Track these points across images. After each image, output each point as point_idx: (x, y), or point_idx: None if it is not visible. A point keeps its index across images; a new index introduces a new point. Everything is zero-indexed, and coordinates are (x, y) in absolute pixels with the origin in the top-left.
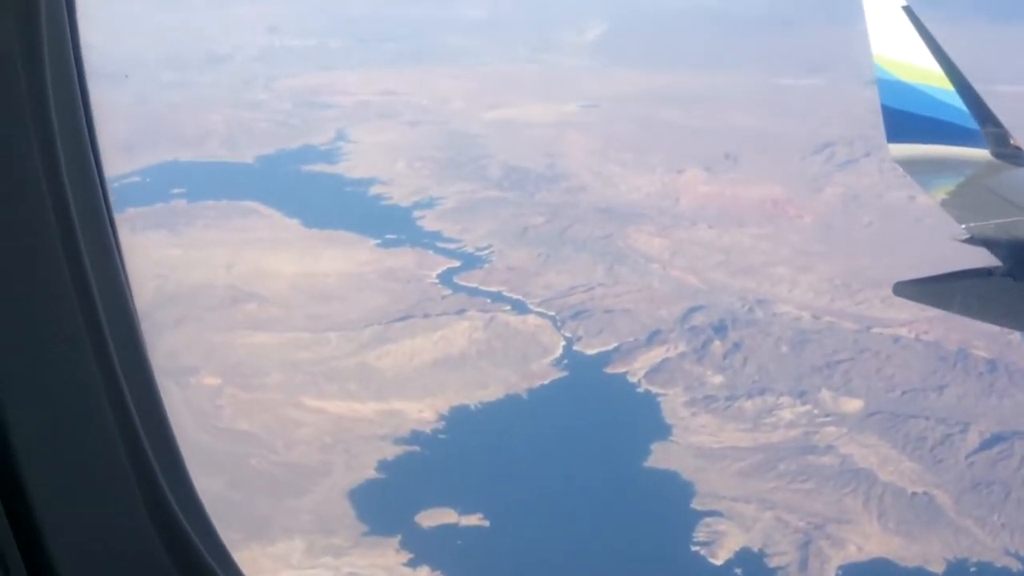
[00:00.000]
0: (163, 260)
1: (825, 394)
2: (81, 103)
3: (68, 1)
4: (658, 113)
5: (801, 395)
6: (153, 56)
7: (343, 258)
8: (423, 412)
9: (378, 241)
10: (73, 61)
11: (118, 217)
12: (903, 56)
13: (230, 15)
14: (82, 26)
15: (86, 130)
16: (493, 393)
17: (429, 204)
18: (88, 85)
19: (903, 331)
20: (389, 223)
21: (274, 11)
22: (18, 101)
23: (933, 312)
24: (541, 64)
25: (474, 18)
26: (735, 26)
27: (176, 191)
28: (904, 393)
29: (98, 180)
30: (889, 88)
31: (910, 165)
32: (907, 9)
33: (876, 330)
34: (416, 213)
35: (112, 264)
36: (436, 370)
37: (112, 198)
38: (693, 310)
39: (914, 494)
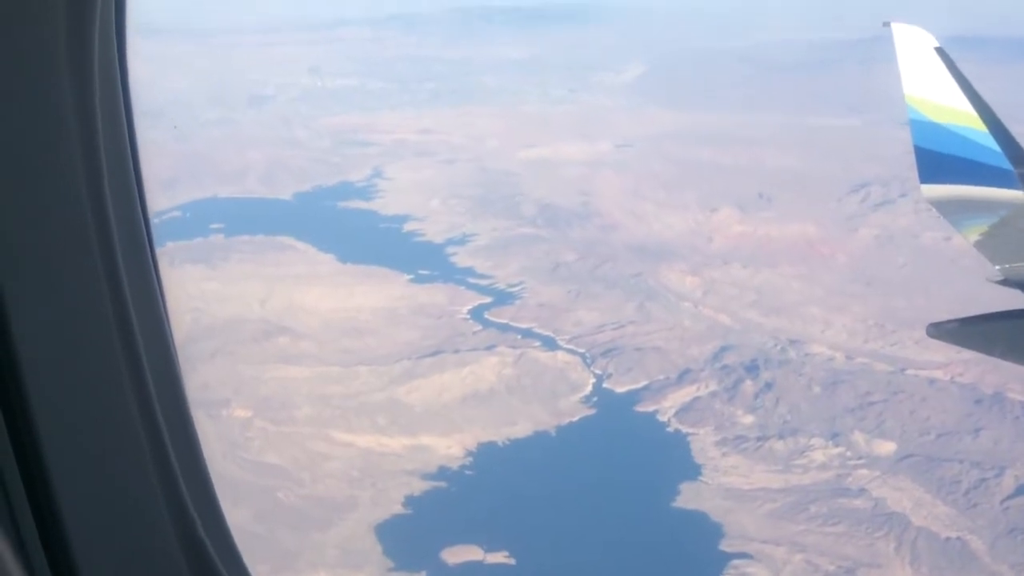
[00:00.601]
0: (200, 293)
1: (858, 436)
2: (128, 141)
3: (120, 44)
4: (693, 153)
5: (833, 436)
6: (197, 95)
7: (376, 293)
8: (451, 448)
9: (411, 277)
10: (122, 99)
11: (159, 251)
12: (936, 97)
13: (273, 56)
14: (131, 66)
15: (132, 168)
16: (521, 430)
17: (462, 241)
18: (135, 123)
19: (938, 373)
20: (422, 259)
21: (316, 53)
22: (68, 137)
23: (968, 354)
24: (577, 104)
25: (512, 59)
26: (771, 68)
27: (215, 226)
28: (939, 436)
29: (142, 216)
30: (921, 129)
31: (943, 206)
32: (939, 50)
33: (910, 372)
34: (449, 249)
35: (153, 298)
36: (465, 406)
37: (154, 233)
38: (724, 349)
39: (948, 539)
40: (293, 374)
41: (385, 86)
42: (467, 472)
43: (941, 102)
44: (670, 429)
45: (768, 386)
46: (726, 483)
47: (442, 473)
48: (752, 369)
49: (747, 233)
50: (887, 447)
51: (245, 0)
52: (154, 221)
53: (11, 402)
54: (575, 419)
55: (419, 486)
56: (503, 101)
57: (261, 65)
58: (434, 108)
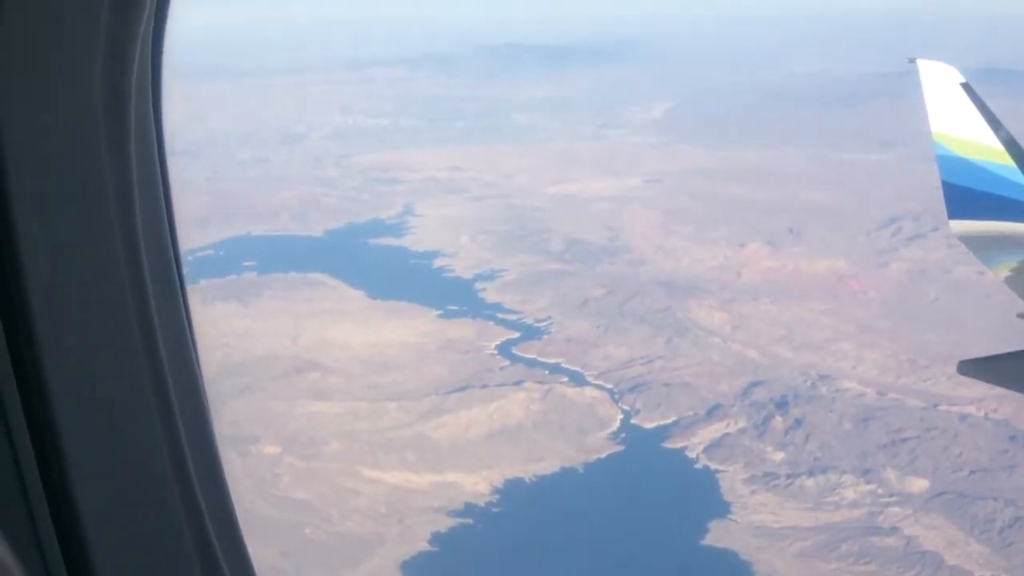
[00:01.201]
0: (231, 330)
1: (890, 473)
2: (160, 180)
3: (155, 84)
4: (722, 188)
5: (865, 474)
6: (232, 134)
7: (405, 328)
8: (478, 484)
9: (440, 312)
10: (156, 140)
11: (190, 289)
12: (963, 132)
13: (308, 96)
14: (166, 105)
15: (164, 207)
16: (548, 466)
17: (491, 276)
18: (168, 163)
19: (971, 409)
20: (451, 295)
21: (350, 92)
22: (101, 174)
23: (1002, 390)
24: (605, 141)
25: (541, 97)
26: (801, 102)
27: (247, 263)
28: (972, 473)
29: (173, 255)
30: (949, 164)
31: (972, 241)
32: (966, 86)
33: (943, 408)
34: (478, 285)
35: (183, 335)
36: (492, 441)
37: (185, 271)
38: (754, 385)
39: None
40: (322, 410)
41: (416, 124)
42: (493, 509)
43: (968, 138)
44: (699, 466)
45: (798, 422)
46: (756, 521)
47: (469, 510)
48: (782, 405)
49: (776, 268)
50: (920, 484)
51: (281, 42)
52: (188, 258)
53: (42, 435)
54: (603, 455)
55: (445, 523)
56: (532, 138)
57: (295, 105)
58: (464, 146)
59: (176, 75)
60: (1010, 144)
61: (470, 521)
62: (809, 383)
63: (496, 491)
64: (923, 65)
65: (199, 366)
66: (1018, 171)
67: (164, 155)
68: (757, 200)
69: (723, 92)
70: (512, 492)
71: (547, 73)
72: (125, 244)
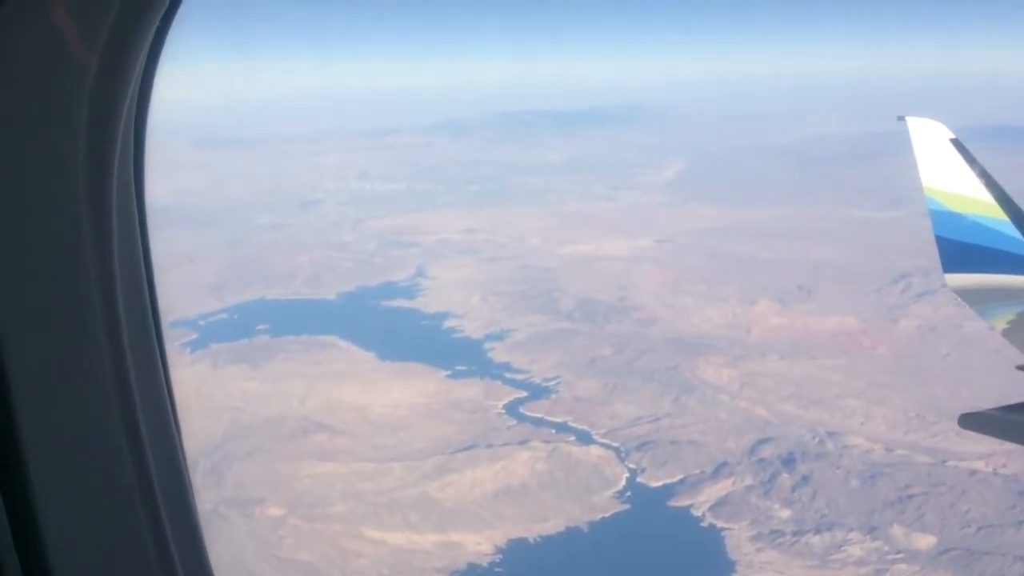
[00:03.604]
0: (240, 393)
1: (897, 529)
2: (142, 252)
3: (137, 158)
4: (733, 247)
5: (871, 531)
6: (252, 202)
7: (413, 389)
8: (481, 544)
9: (448, 372)
10: (136, 211)
11: (203, 353)
12: (954, 187)
13: (326, 163)
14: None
15: (145, 278)
16: (553, 526)
17: (500, 336)
18: (148, 233)
19: (980, 464)
20: (460, 355)
21: (367, 159)
22: (83, 251)
23: (1012, 445)
24: (618, 202)
25: (555, 161)
26: (813, 163)
27: (261, 327)
28: (980, 529)
29: (155, 329)
30: (942, 219)
31: (968, 295)
32: (955, 141)
33: (951, 463)
34: (487, 345)
35: (164, 413)
36: (496, 501)
37: (167, 347)
38: (761, 442)
39: None
40: (328, 471)
41: (432, 188)
42: (496, 570)
43: (959, 192)
44: (704, 524)
45: (805, 480)
46: None
47: (471, 571)
48: (789, 462)
49: (786, 325)
50: (927, 541)
51: (304, 111)
52: (201, 323)
53: (15, 495)
54: (607, 515)
55: None
56: (545, 201)
57: (314, 172)
58: (478, 209)
59: (199, 144)
60: (1002, 198)
61: None
62: (817, 440)
63: (499, 551)
64: (912, 122)
65: (183, 453)
66: (1010, 224)
67: (146, 227)
68: (768, 258)
69: (735, 153)
70: (515, 552)
71: (561, 137)
72: (106, 321)
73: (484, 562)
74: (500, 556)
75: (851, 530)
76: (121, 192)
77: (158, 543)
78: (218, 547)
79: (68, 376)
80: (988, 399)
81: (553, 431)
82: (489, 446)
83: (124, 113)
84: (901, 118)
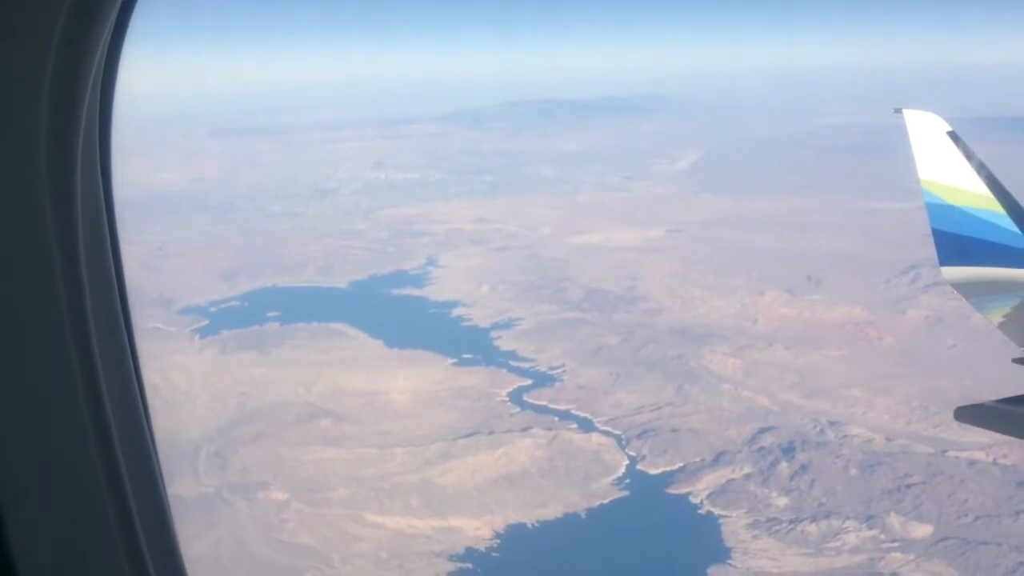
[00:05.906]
0: (248, 379)
1: (893, 518)
2: (110, 245)
3: (104, 155)
4: (744, 237)
5: (868, 519)
6: (267, 190)
7: (419, 376)
8: (480, 530)
9: (454, 360)
10: (104, 204)
11: (213, 339)
12: (950, 180)
13: (341, 152)
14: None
15: (114, 271)
16: (551, 512)
17: (507, 325)
18: (117, 225)
19: (980, 455)
20: (467, 343)
21: (382, 148)
22: (47, 245)
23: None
24: (631, 192)
25: (569, 151)
26: (826, 152)
27: (272, 314)
28: (977, 519)
29: (125, 325)
30: (938, 212)
31: (965, 287)
32: (952, 134)
33: (951, 453)
34: (494, 333)
35: (135, 411)
36: (497, 487)
37: (139, 347)
38: (762, 431)
39: None
40: (332, 456)
41: (445, 178)
42: (494, 554)
43: (956, 185)
44: (702, 511)
45: (804, 468)
46: (755, 566)
47: (469, 555)
48: (789, 451)
49: (793, 315)
50: (923, 530)
51: (320, 101)
52: (212, 310)
53: None
54: (606, 501)
55: (445, 568)
56: (558, 191)
57: (328, 161)
58: (490, 198)
59: (215, 132)
60: (998, 191)
61: (470, 566)
62: (818, 429)
63: (497, 536)
64: (908, 115)
65: (156, 452)
66: (1007, 217)
67: (114, 220)
68: (779, 249)
69: (750, 143)
70: (514, 537)
71: (575, 128)
72: (73, 325)
73: (482, 547)
74: (498, 541)
75: (848, 518)
76: (87, 185)
77: (128, 539)
78: (220, 531)
79: (35, 373)
80: (993, 389)
81: (555, 419)
82: (490, 433)
83: (86, 103)
84: (898, 111)
